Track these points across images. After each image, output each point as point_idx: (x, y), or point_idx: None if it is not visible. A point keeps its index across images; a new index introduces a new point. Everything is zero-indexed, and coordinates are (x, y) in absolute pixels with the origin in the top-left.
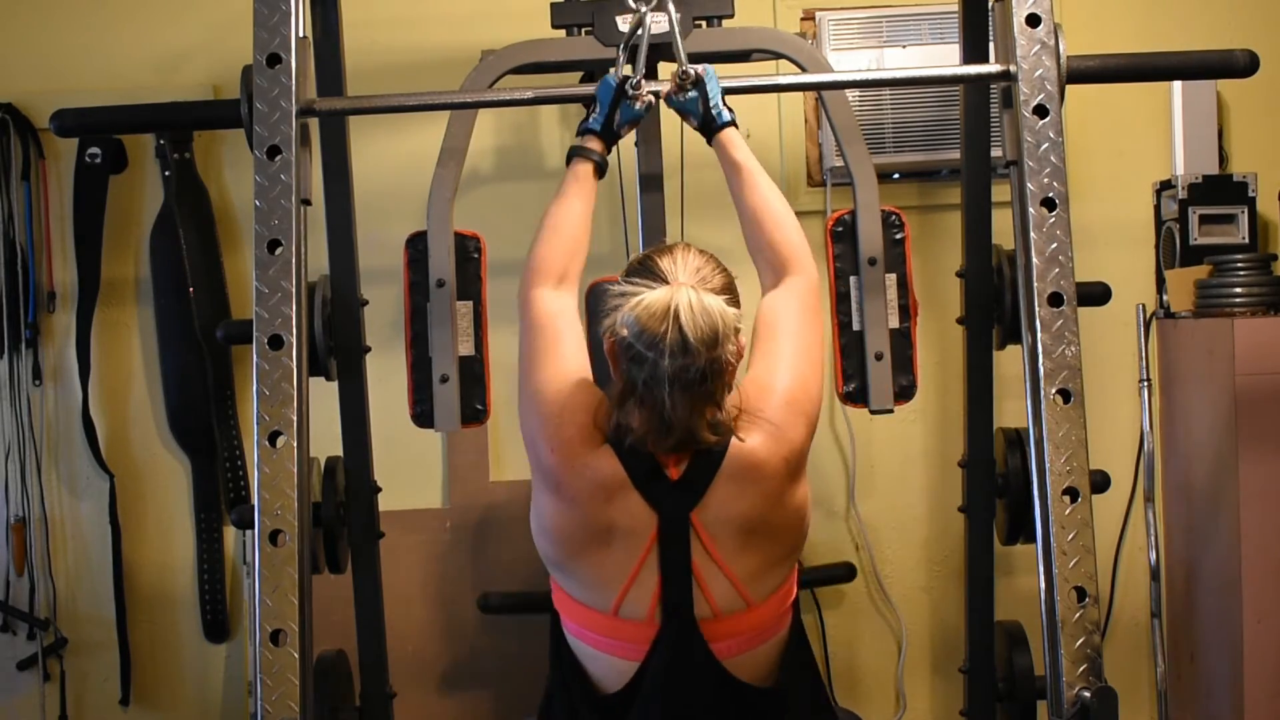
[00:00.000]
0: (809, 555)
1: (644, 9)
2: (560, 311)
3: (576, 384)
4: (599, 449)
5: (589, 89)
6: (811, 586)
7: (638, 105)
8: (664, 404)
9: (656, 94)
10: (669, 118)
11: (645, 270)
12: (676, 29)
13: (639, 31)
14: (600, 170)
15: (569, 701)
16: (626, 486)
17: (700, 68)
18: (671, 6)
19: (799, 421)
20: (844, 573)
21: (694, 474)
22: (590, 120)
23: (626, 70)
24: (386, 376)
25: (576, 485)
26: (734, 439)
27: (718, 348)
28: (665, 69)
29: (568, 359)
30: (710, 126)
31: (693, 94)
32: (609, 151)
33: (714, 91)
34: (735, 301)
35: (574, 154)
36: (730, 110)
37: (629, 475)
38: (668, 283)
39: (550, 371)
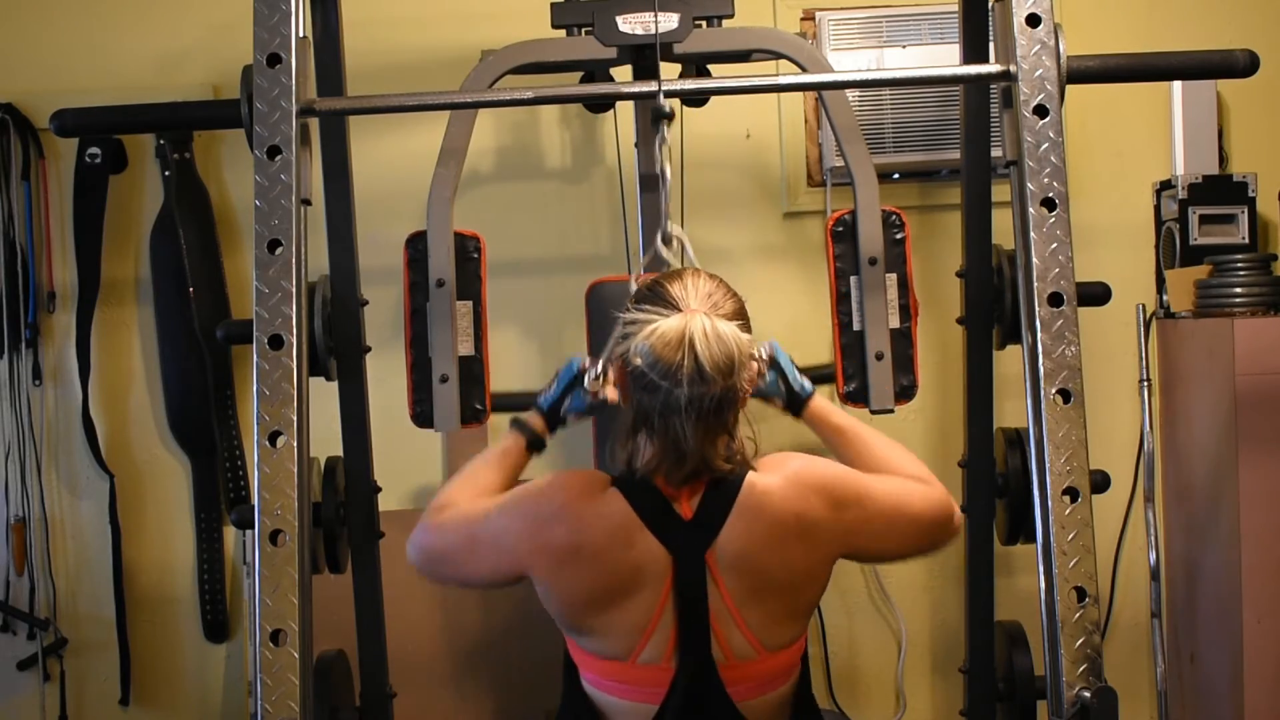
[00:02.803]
0: None
1: (622, 320)
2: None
3: (545, 480)
4: (604, 494)
5: (589, 89)
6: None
7: (589, 399)
8: (679, 434)
9: (651, 94)
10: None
11: (655, 296)
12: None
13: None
14: (534, 447)
15: None
16: (639, 528)
17: (768, 346)
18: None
19: (816, 499)
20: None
21: (708, 510)
22: (541, 397)
23: (596, 364)
24: (386, 376)
25: (595, 537)
26: (750, 473)
27: (733, 375)
28: (667, 69)
29: (508, 488)
30: (797, 402)
31: (771, 376)
32: (551, 433)
33: (788, 366)
34: (747, 327)
35: (513, 425)
36: (807, 377)
37: (639, 516)
38: (679, 309)
39: (502, 498)
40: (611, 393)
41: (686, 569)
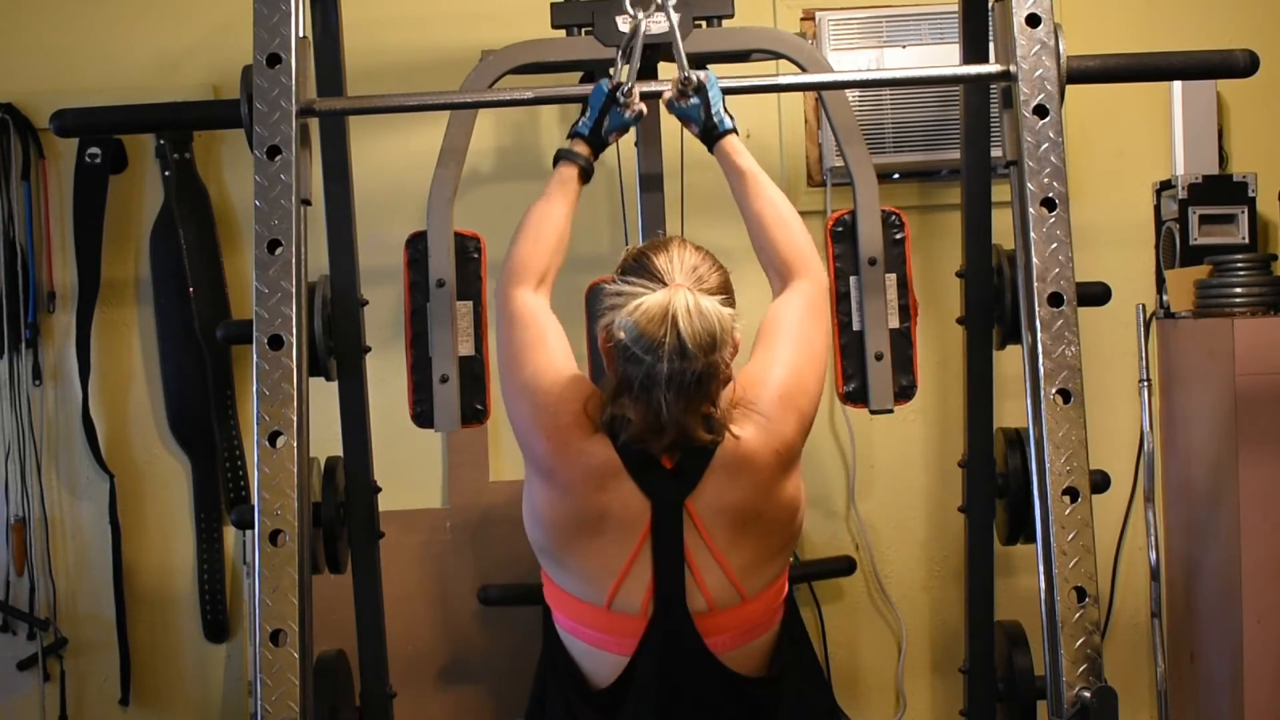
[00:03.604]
0: (809, 551)
1: (640, 16)
2: (542, 308)
3: (569, 375)
4: (593, 436)
5: (589, 89)
6: (810, 580)
7: (627, 114)
8: (659, 405)
9: (656, 94)
10: (669, 118)
11: (641, 268)
12: (678, 34)
13: (635, 37)
14: (585, 175)
15: (563, 696)
16: (620, 474)
17: (702, 74)
18: (672, 10)
19: (790, 416)
20: (844, 566)
21: (687, 462)
22: (579, 124)
23: (623, 76)
24: (386, 376)
25: (570, 472)
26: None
27: (715, 351)
28: (665, 69)
29: (555, 351)
30: (712, 134)
31: (694, 101)
32: (596, 157)
33: (715, 98)
34: (731, 300)
35: (560, 157)
36: (731, 117)
37: (623, 462)
38: (664, 283)
39: (540, 362)
40: (642, 104)
41: (665, 515)
